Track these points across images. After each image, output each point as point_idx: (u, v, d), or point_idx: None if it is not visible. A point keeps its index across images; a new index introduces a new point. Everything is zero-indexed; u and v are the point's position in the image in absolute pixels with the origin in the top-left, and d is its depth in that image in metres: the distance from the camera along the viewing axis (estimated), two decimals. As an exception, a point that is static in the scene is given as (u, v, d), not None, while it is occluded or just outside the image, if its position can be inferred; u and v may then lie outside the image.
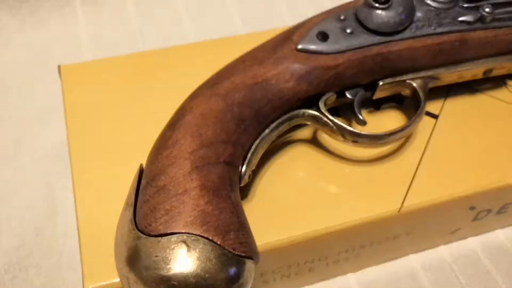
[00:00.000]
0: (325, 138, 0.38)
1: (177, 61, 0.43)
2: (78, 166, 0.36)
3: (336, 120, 0.34)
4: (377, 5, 0.35)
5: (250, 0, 0.58)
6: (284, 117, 0.34)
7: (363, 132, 0.34)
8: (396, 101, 0.40)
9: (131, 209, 0.28)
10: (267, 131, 0.33)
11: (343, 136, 0.35)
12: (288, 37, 0.35)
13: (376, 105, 0.40)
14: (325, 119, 0.34)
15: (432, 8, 0.37)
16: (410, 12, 0.36)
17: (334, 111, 0.39)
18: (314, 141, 0.38)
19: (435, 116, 0.40)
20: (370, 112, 0.40)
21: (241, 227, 0.28)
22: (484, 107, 0.41)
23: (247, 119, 0.32)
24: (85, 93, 0.40)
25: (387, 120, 0.39)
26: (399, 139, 0.36)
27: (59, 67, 0.41)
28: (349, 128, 0.34)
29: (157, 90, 0.40)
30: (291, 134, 0.38)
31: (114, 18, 0.55)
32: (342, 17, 0.36)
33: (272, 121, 0.34)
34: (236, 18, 0.56)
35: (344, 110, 0.39)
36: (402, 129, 0.35)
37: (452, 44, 0.37)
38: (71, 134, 0.37)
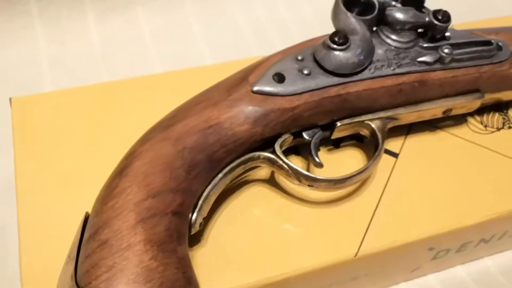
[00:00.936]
0: (282, 178, 0.37)
1: (139, 93, 0.42)
2: (24, 205, 0.35)
3: (291, 164, 0.34)
4: (335, 46, 0.34)
5: (217, 28, 0.57)
6: (239, 160, 0.33)
7: (319, 177, 0.34)
8: (356, 139, 0.40)
9: (73, 264, 0.27)
10: (220, 175, 0.32)
11: (299, 180, 0.34)
12: (244, 77, 0.34)
13: (336, 143, 0.39)
14: (281, 162, 0.34)
15: (392, 48, 0.37)
16: (369, 52, 0.35)
17: (293, 149, 0.38)
18: (271, 181, 0.37)
19: (395, 155, 0.40)
20: (329, 150, 0.39)
21: (187, 283, 0.27)
22: (445, 145, 0.41)
23: (198, 165, 0.31)
24: (37, 128, 0.38)
25: (347, 159, 0.39)
26: (356, 182, 0.36)
27: (10, 99, 0.40)
28: (304, 172, 0.34)
29: (115, 125, 0.39)
30: (247, 173, 0.37)
31: (76, 43, 0.54)
32: (299, 57, 0.35)
33: (226, 165, 0.33)
34: (203, 47, 0.55)
35: (303, 148, 0.38)
36: (358, 172, 0.35)
37: (411, 85, 0.36)
38: (18, 173, 0.36)
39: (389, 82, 0.36)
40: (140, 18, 0.57)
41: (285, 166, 0.34)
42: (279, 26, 0.59)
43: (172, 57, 0.55)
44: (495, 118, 0.43)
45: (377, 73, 0.36)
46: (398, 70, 0.36)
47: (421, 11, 0.37)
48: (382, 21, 0.37)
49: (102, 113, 0.40)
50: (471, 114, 0.42)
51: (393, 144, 0.40)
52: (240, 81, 0.34)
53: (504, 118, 0.43)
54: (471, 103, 0.39)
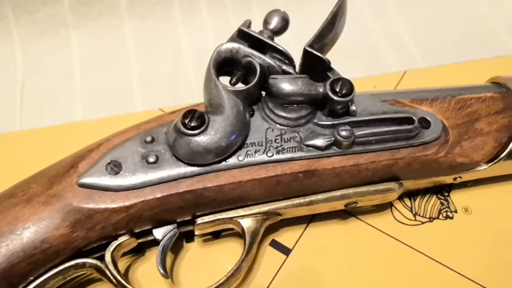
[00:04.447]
0: (136, 275, 0.31)
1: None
2: None
3: (119, 277, 0.27)
4: (186, 130, 0.27)
5: (157, 55, 0.51)
6: (54, 270, 0.27)
7: (150, 298, 0.27)
8: (242, 227, 0.32)
9: None
10: (25, 292, 0.26)
11: (128, 298, 0.27)
12: (73, 164, 0.28)
13: (215, 233, 0.32)
14: (108, 273, 0.27)
15: (277, 126, 0.29)
16: (237, 135, 0.28)
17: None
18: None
19: (287, 251, 0.32)
20: (205, 241, 0.32)
21: None
22: (356, 238, 0.33)
23: (-13, 284, 0.25)
24: None
25: (225, 253, 0.32)
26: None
27: None
28: (133, 290, 0.27)
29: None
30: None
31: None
32: (148, 139, 0.28)
33: (36, 278, 0.27)
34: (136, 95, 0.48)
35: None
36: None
37: (293, 176, 0.29)
38: None
39: (262, 172, 0.28)
40: (72, 42, 0.52)
41: (113, 280, 0.27)
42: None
43: (97, 90, 0.49)
44: (431, 203, 0.34)
45: (248, 160, 0.28)
46: (277, 157, 0.28)
47: (325, 75, 0.29)
48: (267, 90, 0.29)
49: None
50: (401, 197, 0.34)
51: (287, 236, 0.33)
52: (68, 168, 0.28)
53: (442, 204, 0.34)
54: (384, 195, 0.31)
